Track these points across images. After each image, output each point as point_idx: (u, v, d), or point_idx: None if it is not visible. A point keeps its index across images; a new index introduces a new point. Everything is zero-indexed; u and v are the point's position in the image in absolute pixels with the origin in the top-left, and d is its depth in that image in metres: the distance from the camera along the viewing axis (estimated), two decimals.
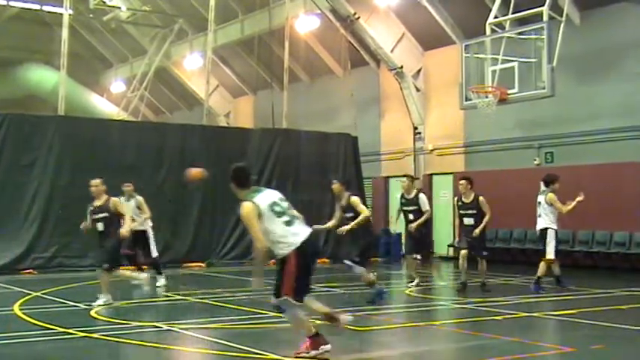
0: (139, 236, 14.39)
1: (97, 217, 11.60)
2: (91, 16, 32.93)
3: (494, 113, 16.52)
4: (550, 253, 13.48)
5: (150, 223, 14.78)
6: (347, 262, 12.02)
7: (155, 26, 33.30)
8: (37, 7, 32.25)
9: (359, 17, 22.68)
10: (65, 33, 22.55)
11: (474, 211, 13.53)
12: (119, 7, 31.84)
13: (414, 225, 14.02)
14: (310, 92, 27.85)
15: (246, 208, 7.38)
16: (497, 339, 8.98)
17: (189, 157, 19.88)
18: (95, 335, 8.94)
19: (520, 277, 16.32)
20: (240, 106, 32.70)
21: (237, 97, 32.90)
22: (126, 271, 12.82)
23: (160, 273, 14.77)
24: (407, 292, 14.04)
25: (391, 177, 24.91)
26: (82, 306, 11.43)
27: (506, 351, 8.29)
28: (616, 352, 8.48)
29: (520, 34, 16.08)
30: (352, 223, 11.91)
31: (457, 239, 15.20)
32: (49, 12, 31.99)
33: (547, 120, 19.77)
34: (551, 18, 15.61)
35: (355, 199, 12.13)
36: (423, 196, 14.34)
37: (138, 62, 34.88)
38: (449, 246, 21.66)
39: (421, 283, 14.61)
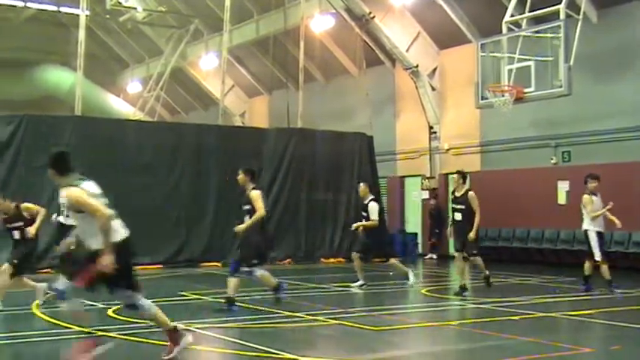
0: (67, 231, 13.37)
1: (10, 226, 11.45)
2: (107, 16, 33.09)
3: (511, 112, 16.45)
4: (596, 255, 13.30)
5: None
6: (245, 269, 11.08)
7: (171, 27, 33.42)
8: (53, 8, 32.44)
9: (374, 16, 22.65)
10: (82, 34, 22.64)
11: (463, 207, 13.09)
12: (135, 8, 31.97)
13: (355, 225, 14.47)
14: (325, 92, 27.85)
15: (75, 190, 6.90)
16: (514, 339, 8.94)
17: (204, 157, 19.99)
18: (112, 334, 8.97)
19: (537, 277, 16.25)
20: (255, 105, 32.76)
21: (252, 96, 32.95)
22: (28, 281, 11.60)
23: None
24: (423, 291, 14.00)
25: (407, 176, 24.90)
26: (99, 305, 11.47)
27: (523, 351, 8.25)
28: (634, 352, 8.42)
29: (536, 32, 16.01)
30: (246, 223, 10.93)
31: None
32: (65, 13, 32.18)
33: (564, 119, 19.66)
34: (568, 16, 15.52)
35: (255, 194, 11.00)
36: (372, 205, 14.29)
37: (154, 63, 35.04)
38: None
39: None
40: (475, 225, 12.93)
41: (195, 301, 12.62)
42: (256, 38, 29.21)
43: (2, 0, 29.69)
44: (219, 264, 19.26)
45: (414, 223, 24.02)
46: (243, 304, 11.63)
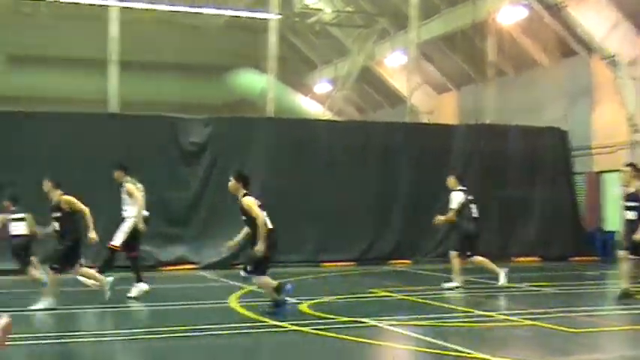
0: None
1: (51, 215, 11.02)
2: (296, 19, 34.00)
3: None
4: None
5: (132, 213, 12.05)
6: (242, 273, 10.47)
7: (358, 26, 33.80)
8: (245, 14, 33.79)
9: (567, 5, 21.69)
10: (273, 37, 23.36)
11: (635, 204, 11.74)
12: (322, 10, 32.62)
13: (440, 219, 13.66)
14: (515, 85, 27.01)
15: None
16: None
17: (392, 155, 20.02)
18: (304, 329, 9.16)
19: None
20: (443, 102, 32.41)
21: (440, 93, 32.63)
22: (88, 271, 11.21)
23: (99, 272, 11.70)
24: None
25: (604, 172, 23.63)
26: (291, 300, 11.77)
27: None
28: None
29: None
30: (261, 241, 9.88)
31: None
32: (257, 18, 33.43)
33: None
34: None
35: (246, 201, 10.00)
36: (453, 194, 13.43)
37: (341, 63, 35.59)
38: None
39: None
40: None
41: (385, 298, 12.63)
42: (444, 34, 28.84)
43: (201, 10, 31.28)
44: (408, 261, 19.24)
45: (613, 220, 22.75)
46: (432, 302, 11.52)
